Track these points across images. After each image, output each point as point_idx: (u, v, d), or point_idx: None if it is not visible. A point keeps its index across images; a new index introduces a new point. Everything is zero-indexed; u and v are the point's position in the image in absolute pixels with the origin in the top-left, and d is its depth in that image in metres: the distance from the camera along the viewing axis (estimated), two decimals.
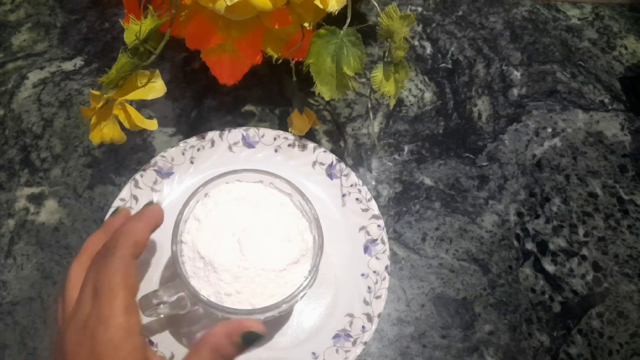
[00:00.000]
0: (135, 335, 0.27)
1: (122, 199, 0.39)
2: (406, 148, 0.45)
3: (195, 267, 0.32)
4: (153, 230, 0.31)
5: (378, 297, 0.37)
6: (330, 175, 0.42)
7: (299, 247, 0.33)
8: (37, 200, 0.41)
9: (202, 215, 0.33)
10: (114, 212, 0.33)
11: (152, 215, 0.31)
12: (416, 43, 0.52)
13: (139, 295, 0.30)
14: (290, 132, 0.42)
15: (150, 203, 0.32)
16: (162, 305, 0.31)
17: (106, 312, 0.26)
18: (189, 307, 0.32)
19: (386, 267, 0.38)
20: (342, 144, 0.45)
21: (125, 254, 0.28)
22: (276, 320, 0.37)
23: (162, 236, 0.38)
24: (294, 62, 0.39)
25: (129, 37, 0.34)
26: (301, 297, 0.32)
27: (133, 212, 0.39)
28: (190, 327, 0.35)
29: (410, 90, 0.49)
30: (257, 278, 0.31)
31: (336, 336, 0.36)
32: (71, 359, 0.26)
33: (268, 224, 0.33)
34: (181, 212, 0.33)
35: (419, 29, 0.52)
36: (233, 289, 0.31)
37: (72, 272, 0.30)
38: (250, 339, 0.27)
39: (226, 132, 0.42)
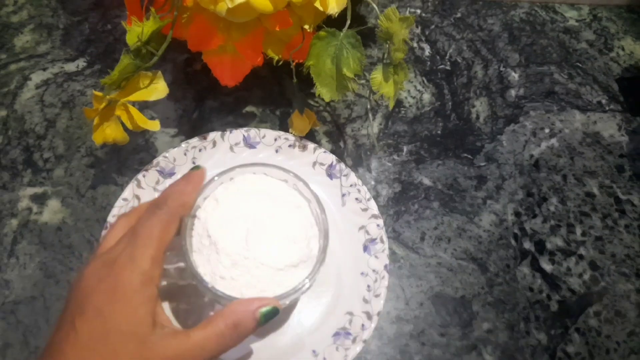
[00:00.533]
0: (153, 286, 0.28)
1: (125, 199, 0.39)
2: (405, 148, 0.46)
3: (200, 244, 0.32)
4: (198, 193, 0.32)
5: (377, 296, 0.37)
6: (330, 176, 0.42)
7: (301, 252, 0.33)
8: (40, 200, 0.42)
9: (222, 197, 0.34)
10: (194, 168, 0.34)
11: (199, 179, 0.33)
12: (415, 45, 0.52)
13: None
14: (291, 133, 0.43)
15: (197, 167, 0.33)
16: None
17: (138, 254, 0.27)
18: (189, 281, 0.32)
19: (385, 266, 0.38)
20: (341, 144, 0.46)
21: (172, 211, 0.30)
22: (276, 318, 0.37)
23: None
24: (294, 63, 0.39)
25: (131, 39, 0.35)
26: (289, 302, 0.32)
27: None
28: (189, 305, 0.36)
29: (409, 91, 0.49)
30: (254, 270, 0.32)
31: (336, 334, 0.36)
32: (88, 291, 0.27)
33: (279, 222, 0.33)
34: (203, 188, 0.33)
35: (418, 31, 0.53)
36: (228, 274, 0.31)
37: (117, 224, 0.31)
38: (270, 315, 0.29)
39: (227, 133, 0.43)
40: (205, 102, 0.47)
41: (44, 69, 0.48)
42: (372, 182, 0.44)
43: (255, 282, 0.32)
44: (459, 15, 0.54)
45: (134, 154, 0.44)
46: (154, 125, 0.37)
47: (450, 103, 0.49)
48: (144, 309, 0.27)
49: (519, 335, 0.38)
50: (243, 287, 0.31)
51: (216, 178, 0.34)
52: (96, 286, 0.27)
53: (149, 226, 0.29)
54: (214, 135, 0.42)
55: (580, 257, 0.42)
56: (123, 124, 0.37)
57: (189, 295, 0.36)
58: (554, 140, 0.47)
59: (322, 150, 0.42)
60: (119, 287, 0.27)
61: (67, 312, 0.27)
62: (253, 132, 0.43)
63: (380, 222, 0.40)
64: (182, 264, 0.32)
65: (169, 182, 0.41)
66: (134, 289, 0.27)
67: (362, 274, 0.38)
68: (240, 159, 0.42)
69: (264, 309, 0.28)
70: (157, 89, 0.37)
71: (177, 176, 0.41)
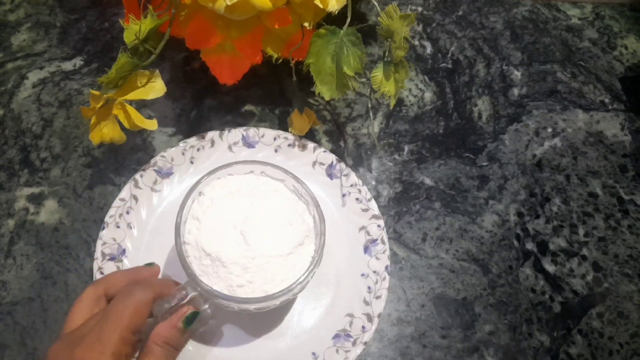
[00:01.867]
0: None
1: (122, 199, 0.39)
2: (406, 148, 0.45)
3: (202, 265, 0.32)
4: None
5: (378, 297, 0.37)
6: (330, 175, 0.42)
7: (301, 229, 0.33)
8: (36, 200, 0.41)
9: (200, 214, 0.34)
10: (148, 264, 0.34)
11: (166, 284, 0.32)
12: (416, 43, 0.51)
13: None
14: (290, 132, 0.42)
15: (151, 264, 0.34)
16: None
17: (107, 334, 0.27)
18: (203, 307, 0.32)
19: (386, 267, 0.38)
20: (342, 144, 0.45)
21: (145, 299, 0.29)
22: (276, 319, 0.37)
23: (159, 239, 0.38)
24: (294, 62, 0.39)
25: (129, 37, 0.34)
26: (312, 277, 0.33)
27: (132, 211, 0.39)
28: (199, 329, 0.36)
29: (410, 90, 0.49)
30: (265, 265, 0.32)
31: (336, 336, 0.36)
32: None
33: (267, 212, 0.33)
34: (179, 215, 0.33)
35: (419, 28, 0.52)
36: (244, 280, 0.31)
37: (85, 295, 0.30)
38: (190, 320, 0.30)
39: (226, 132, 0.42)
40: (203, 101, 0.46)
41: (41, 68, 0.48)
42: (373, 182, 0.43)
43: (272, 275, 0.32)
44: (460, 13, 0.54)
45: (132, 154, 0.43)
46: (152, 125, 0.37)
47: (452, 102, 0.48)
48: None
49: (521, 337, 0.38)
50: (263, 285, 0.32)
51: (187, 194, 0.34)
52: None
53: (121, 308, 0.28)
54: (212, 134, 0.42)
55: (583, 258, 0.41)
56: (120, 123, 0.37)
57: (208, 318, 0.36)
58: (556, 140, 0.47)
59: (322, 149, 0.42)
60: None
61: None
62: (252, 132, 0.42)
63: (381, 222, 0.39)
64: (194, 293, 0.31)
65: (166, 182, 0.41)
66: None
67: (362, 275, 0.38)
68: (239, 158, 0.42)
69: (183, 318, 0.30)
70: (155, 87, 0.36)
71: (176, 176, 0.41)
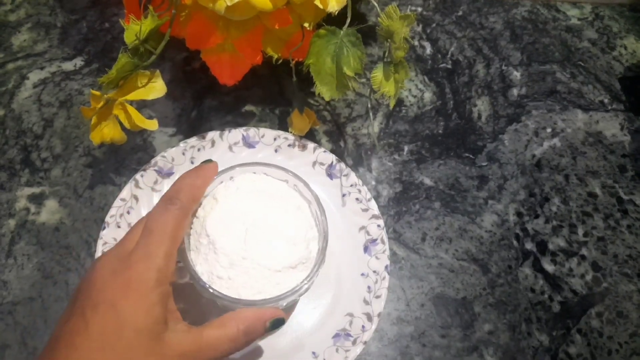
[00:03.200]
0: (167, 283, 0.27)
1: (123, 199, 0.39)
2: (406, 148, 0.45)
3: (198, 242, 0.32)
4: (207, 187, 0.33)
5: (378, 297, 0.37)
6: (330, 175, 0.42)
7: (300, 254, 0.33)
8: (37, 200, 0.41)
9: (221, 196, 0.34)
10: (206, 161, 0.34)
11: (211, 173, 0.33)
12: (416, 43, 0.52)
13: None
14: (290, 132, 0.42)
15: (208, 161, 0.33)
16: None
17: (153, 250, 0.27)
18: (186, 280, 0.32)
19: (386, 267, 0.38)
20: (342, 144, 0.45)
21: (184, 206, 0.29)
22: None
23: None
24: (294, 62, 0.39)
25: (129, 37, 0.34)
26: (286, 304, 0.32)
27: (133, 211, 0.39)
28: (187, 304, 0.35)
29: (410, 90, 0.49)
30: (251, 270, 0.31)
31: (336, 335, 0.36)
32: (100, 284, 0.26)
33: (279, 223, 0.33)
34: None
35: (419, 29, 0.53)
36: (226, 274, 0.31)
37: (136, 226, 0.30)
38: (277, 325, 0.29)
39: (226, 132, 0.42)
40: (203, 101, 0.46)
41: (42, 68, 0.48)
42: (373, 182, 0.44)
43: (253, 282, 0.31)
44: (460, 13, 0.54)
45: (132, 154, 0.43)
46: (152, 125, 0.37)
47: (451, 102, 0.48)
48: (159, 306, 0.26)
49: (520, 337, 0.38)
50: (240, 287, 0.31)
51: (216, 176, 0.34)
52: (110, 279, 0.26)
53: (163, 222, 0.28)
54: (212, 134, 0.42)
55: (583, 257, 0.42)
56: (121, 123, 0.37)
57: (188, 294, 0.35)
58: (556, 140, 0.47)
59: (322, 149, 0.42)
60: (134, 282, 0.26)
61: (77, 304, 0.26)
62: (252, 132, 0.42)
63: (381, 222, 0.39)
64: (180, 264, 0.31)
65: (167, 182, 0.41)
66: (149, 285, 0.26)
67: (362, 274, 0.38)
68: (239, 158, 0.42)
69: (273, 319, 0.29)
70: (155, 87, 0.36)
71: (176, 176, 0.41)
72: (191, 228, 0.33)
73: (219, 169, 0.34)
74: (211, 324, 0.28)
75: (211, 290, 0.30)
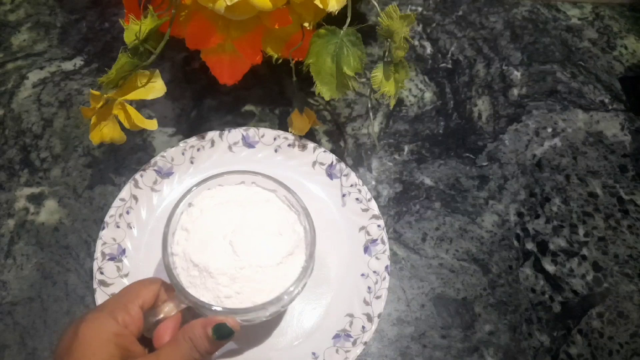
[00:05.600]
0: (114, 322, 0.29)
1: (122, 199, 0.39)
2: (406, 148, 0.45)
3: (190, 277, 0.31)
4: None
5: (378, 297, 0.37)
6: (330, 175, 0.42)
7: (291, 239, 0.33)
8: (37, 200, 0.41)
9: (189, 225, 0.33)
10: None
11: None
12: (416, 43, 0.52)
13: None
14: (290, 132, 0.42)
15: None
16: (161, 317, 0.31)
17: (115, 303, 0.30)
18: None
19: (386, 267, 0.38)
20: (342, 144, 0.45)
21: (155, 283, 0.32)
22: (276, 319, 0.37)
23: (159, 239, 0.38)
24: (294, 62, 0.39)
25: (129, 37, 0.34)
26: (302, 288, 0.32)
27: (132, 211, 0.39)
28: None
29: (410, 90, 0.49)
30: (254, 275, 0.31)
31: (336, 336, 0.36)
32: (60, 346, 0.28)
33: (257, 222, 0.33)
34: (167, 225, 0.32)
35: (419, 28, 0.52)
36: (232, 291, 0.31)
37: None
38: (222, 333, 0.29)
39: (226, 132, 0.42)
40: (203, 101, 0.46)
41: (41, 68, 0.48)
42: (373, 182, 0.43)
43: (261, 286, 0.31)
44: (460, 13, 0.54)
45: (132, 154, 0.43)
46: (152, 125, 0.37)
47: (451, 102, 0.48)
48: (111, 344, 0.27)
49: (521, 337, 0.38)
50: (252, 296, 0.31)
51: (176, 210, 0.33)
52: (63, 338, 0.28)
53: (134, 284, 0.31)
54: (212, 134, 0.42)
55: (583, 257, 0.41)
56: (120, 123, 0.37)
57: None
58: (556, 140, 0.47)
59: (322, 149, 0.42)
60: (82, 329, 0.28)
61: None
62: (252, 132, 0.42)
63: (381, 222, 0.39)
64: (183, 305, 0.31)
65: (166, 182, 0.41)
66: (97, 328, 0.28)
67: (362, 275, 0.38)
68: (239, 158, 0.42)
69: (214, 325, 0.29)
70: (155, 87, 0.36)
71: (175, 176, 0.41)
72: (175, 268, 0.32)
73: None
74: (167, 343, 0.29)
75: (226, 312, 0.30)
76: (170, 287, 0.32)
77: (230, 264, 0.31)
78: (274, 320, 0.37)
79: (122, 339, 0.28)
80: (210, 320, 0.29)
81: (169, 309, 0.31)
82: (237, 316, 0.30)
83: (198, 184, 0.34)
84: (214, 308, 0.30)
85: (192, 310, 0.31)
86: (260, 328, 0.36)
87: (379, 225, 0.39)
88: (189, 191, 0.34)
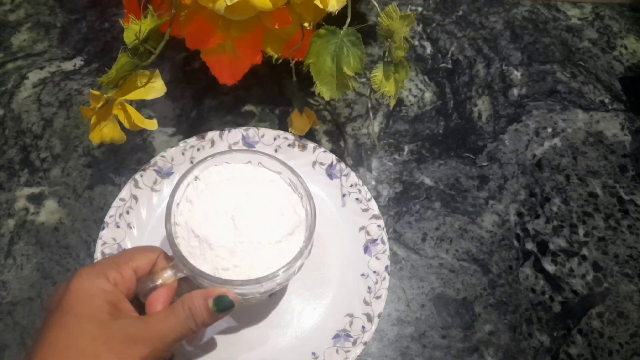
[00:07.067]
0: (104, 279, 0.30)
1: (122, 199, 0.39)
2: (406, 148, 0.45)
3: (190, 247, 0.32)
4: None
5: (378, 297, 0.37)
6: (330, 175, 0.42)
7: (292, 220, 0.33)
8: (37, 200, 0.41)
9: (194, 197, 0.34)
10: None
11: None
12: (416, 43, 0.52)
13: None
14: (290, 132, 0.42)
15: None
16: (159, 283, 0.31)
17: (108, 263, 0.31)
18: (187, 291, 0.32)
19: (386, 267, 0.38)
20: (342, 144, 0.45)
21: (153, 251, 0.32)
22: (276, 319, 0.37)
23: (159, 239, 0.38)
24: (294, 62, 0.39)
25: (129, 37, 0.34)
26: (298, 269, 0.32)
27: (132, 211, 0.39)
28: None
29: (410, 90, 0.49)
30: (253, 251, 0.32)
31: (336, 336, 0.36)
32: (50, 302, 0.29)
33: (260, 201, 0.33)
34: (172, 196, 0.33)
35: (419, 28, 0.52)
36: (230, 264, 0.31)
37: None
38: (223, 305, 0.29)
39: (226, 132, 0.42)
40: (203, 101, 0.46)
41: (41, 68, 0.48)
42: (373, 182, 0.43)
43: (259, 261, 0.32)
44: (460, 13, 0.54)
45: (132, 154, 0.43)
46: (152, 125, 0.37)
47: (451, 102, 0.48)
48: (100, 299, 0.28)
49: (521, 337, 0.38)
50: (249, 270, 0.31)
51: (183, 182, 0.34)
52: (56, 293, 0.29)
53: (130, 249, 0.31)
54: (212, 134, 0.42)
55: (583, 257, 0.41)
56: (120, 123, 0.37)
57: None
58: (556, 140, 0.47)
59: (322, 149, 0.42)
60: (73, 284, 0.29)
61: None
62: (252, 132, 0.42)
63: (381, 222, 0.39)
64: (181, 274, 0.31)
65: (166, 182, 0.41)
66: (88, 283, 0.29)
67: (362, 275, 0.38)
68: None
69: (215, 297, 0.29)
70: (155, 87, 0.36)
71: (175, 176, 0.41)
72: (177, 237, 0.32)
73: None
74: (162, 310, 0.29)
75: (222, 282, 0.30)
76: (170, 258, 0.32)
77: (230, 238, 0.32)
78: (274, 320, 0.37)
79: (111, 295, 0.29)
80: (210, 292, 0.29)
81: (167, 277, 0.31)
82: (233, 288, 0.30)
83: (206, 159, 0.35)
84: (211, 277, 0.30)
85: (189, 282, 0.32)
86: (260, 327, 0.36)
87: (379, 225, 0.39)
88: (196, 164, 0.34)
